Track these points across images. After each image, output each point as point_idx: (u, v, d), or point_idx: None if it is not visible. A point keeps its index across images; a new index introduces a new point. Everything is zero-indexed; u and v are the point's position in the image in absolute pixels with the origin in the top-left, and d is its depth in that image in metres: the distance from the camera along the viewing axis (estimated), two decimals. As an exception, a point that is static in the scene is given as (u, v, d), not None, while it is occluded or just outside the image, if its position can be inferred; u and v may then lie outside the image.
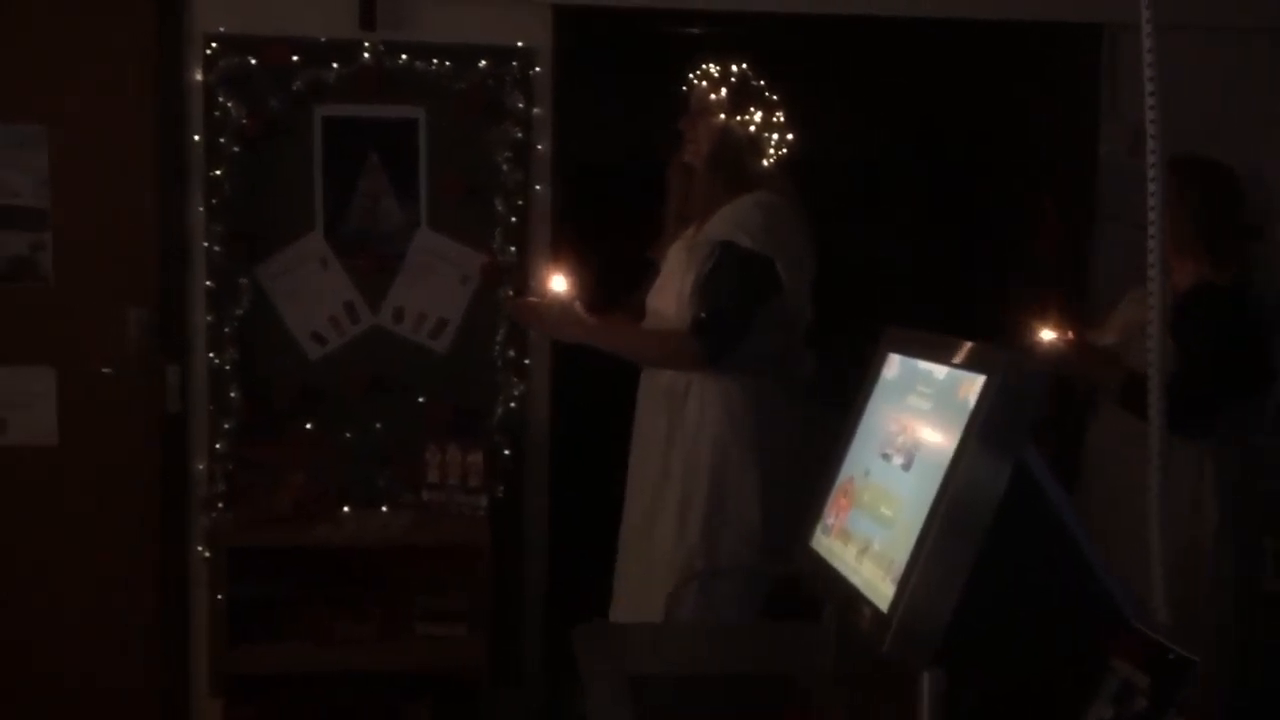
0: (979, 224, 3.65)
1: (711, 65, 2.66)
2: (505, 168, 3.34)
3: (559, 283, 2.62)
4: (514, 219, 3.35)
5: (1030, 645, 1.41)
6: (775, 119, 2.65)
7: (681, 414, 2.57)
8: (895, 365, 1.71)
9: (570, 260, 2.72)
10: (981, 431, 1.36)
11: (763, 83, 2.66)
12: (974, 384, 1.41)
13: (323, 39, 3.23)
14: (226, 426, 3.28)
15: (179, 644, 3.32)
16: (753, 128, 2.62)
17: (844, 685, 1.70)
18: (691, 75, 2.69)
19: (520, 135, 3.34)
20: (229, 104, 3.22)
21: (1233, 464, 2.72)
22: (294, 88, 3.24)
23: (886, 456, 1.61)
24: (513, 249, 3.34)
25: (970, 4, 3.43)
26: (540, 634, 3.45)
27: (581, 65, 3.39)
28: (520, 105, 3.33)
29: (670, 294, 2.61)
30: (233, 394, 3.28)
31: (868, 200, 3.70)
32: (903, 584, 1.40)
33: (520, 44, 3.33)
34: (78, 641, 3.29)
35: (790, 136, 2.66)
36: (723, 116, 2.61)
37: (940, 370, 1.54)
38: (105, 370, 3.24)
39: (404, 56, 3.26)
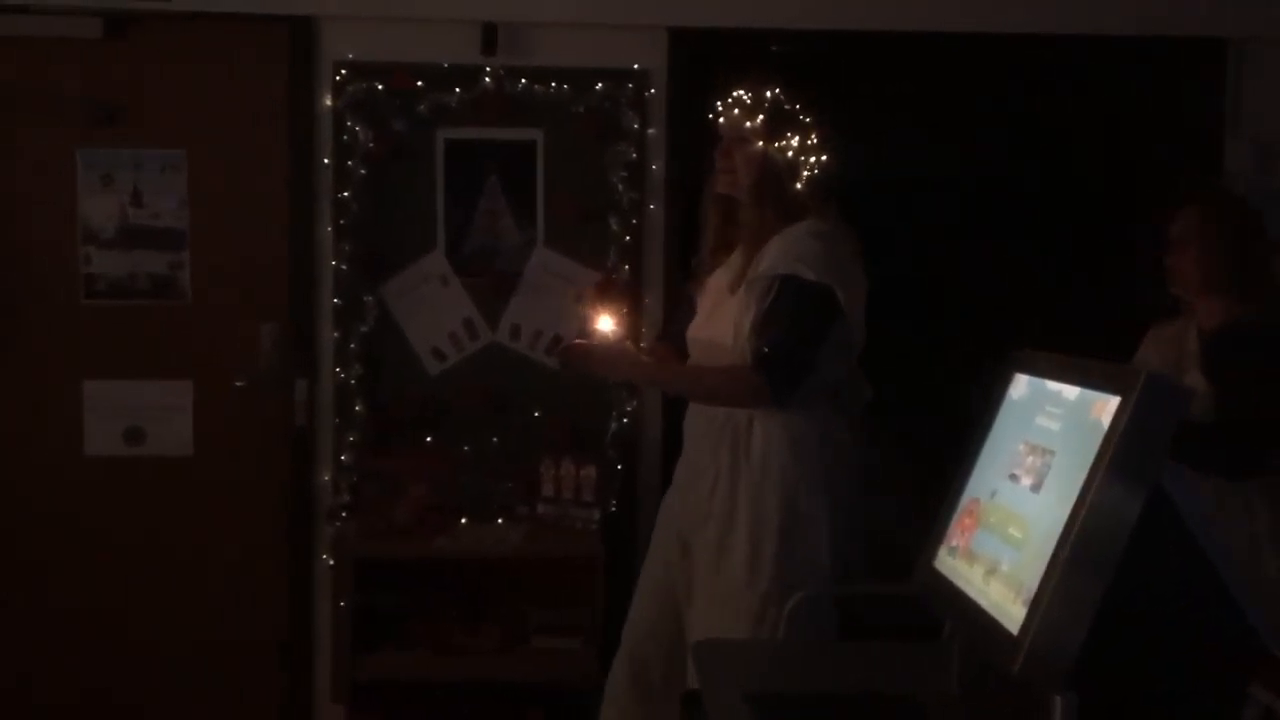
0: (1101, 243, 3.59)
1: (744, 92, 2.62)
2: (620, 187, 3.40)
3: (606, 323, 2.61)
4: (628, 238, 3.41)
5: (1166, 670, 1.40)
6: (810, 142, 2.60)
7: (747, 446, 2.54)
8: (1022, 385, 1.71)
9: (615, 296, 2.72)
10: (1116, 454, 1.35)
11: (797, 106, 2.62)
12: (1108, 405, 1.41)
13: (446, 64, 3.34)
14: (351, 439, 3.39)
15: (303, 650, 3.44)
16: (790, 153, 2.57)
17: (968, 705, 1.69)
18: (721, 103, 2.64)
19: (635, 156, 3.40)
20: (356, 128, 3.34)
21: None
22: (418, 111, 3.35)
23: (1014, 478, 1.61)
24: (627, 267, 3.40)
25: (1091, 20, 3.39)
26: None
27: (696, 86, 3.43)
28: (635, 126, 3.39)
29: (723, 329, 2.56)
30: (357, 407, 3.39)
31: (989, 220, 3.66)
32: (1034, 606, 1.39)
33: (635, 66, 3.39)
34: (207, 643, 3.43)
35: (826, 158, 2.61)
36: (760, 144, 2.56)
37: (1071, 391, 1.53)
38: (238, 384, 3.38)
39: (523, 80, 3.35)
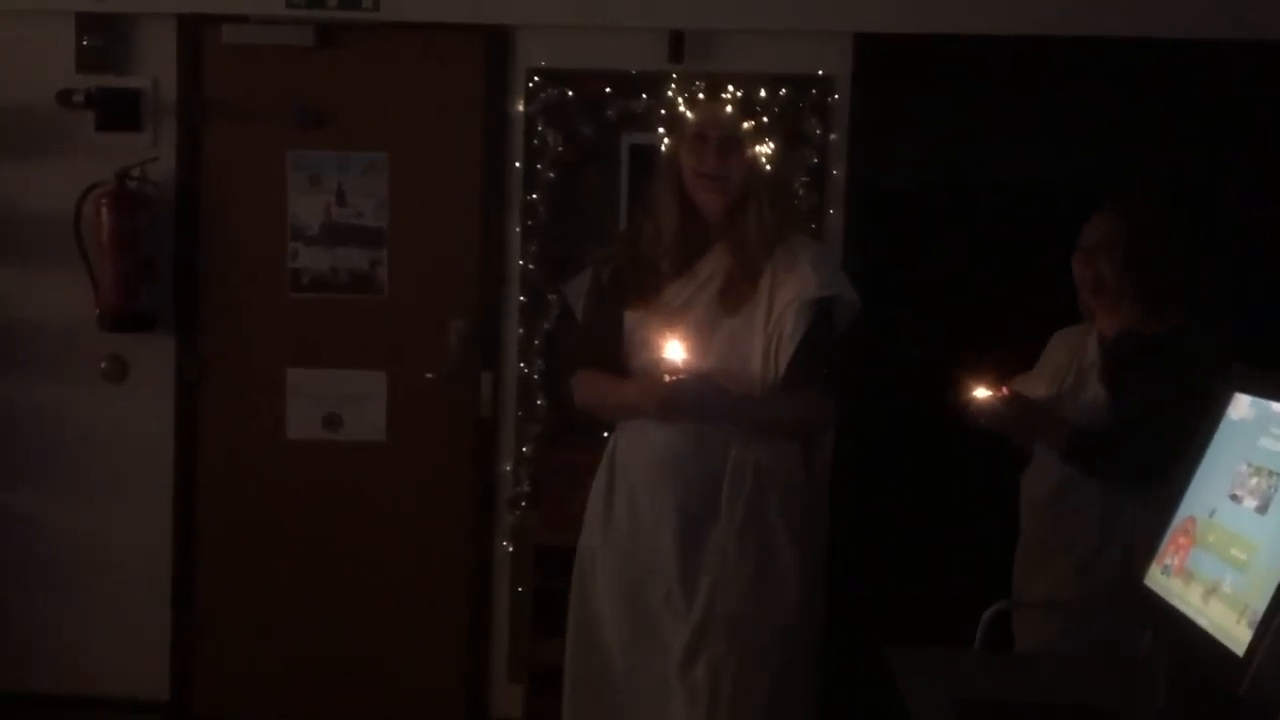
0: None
1: (727, 88, 2.40)
2: (801, 192, 3.44)
3: (676, 350, 2.23)
4: (807, 242, 3.44)
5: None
6: (780, 146, 2.44)
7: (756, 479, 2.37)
8: (1244, 406, 1.70)
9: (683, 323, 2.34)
10: (1357, 481, 1.35)
11: (777, 110, 2.54)
12: (1348, 430, 1.40)
13: (634, 71, 3.43)
14: (532, 432, 3.52)
15: (483, 631, 3.59)
16: (780, 158, 2.43)
17: (1177, 723, 1.69)
18: (706, 97, 2.41)
19: (816, 160, 3.44)
20: (546, 133, 3.47)
21: None
22: (605, 117, 3.45)
23: (1236, 498, 1.60)
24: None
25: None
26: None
27: (879, 92, 3.45)
28: (818, 131, 3.43)
29: (747, 354, 2.33)
30: (539, 401, 3.52)
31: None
32: (1263, 628, 1.40)
33: (820, 72, 3.43)
34: (393, 617, 3.60)
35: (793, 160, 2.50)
36: (757, 148, 2.36)
37: (1306, 413, 1.52)
38: (428, 375, 3.55)
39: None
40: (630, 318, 2.40)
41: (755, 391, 2.33)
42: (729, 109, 2.36)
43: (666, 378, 2.23)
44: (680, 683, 2.35)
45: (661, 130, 2.48)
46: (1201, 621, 1.56)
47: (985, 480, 2.77)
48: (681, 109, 2.43)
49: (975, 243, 3.59)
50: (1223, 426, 1.73)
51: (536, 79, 3.47)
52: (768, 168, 2.39)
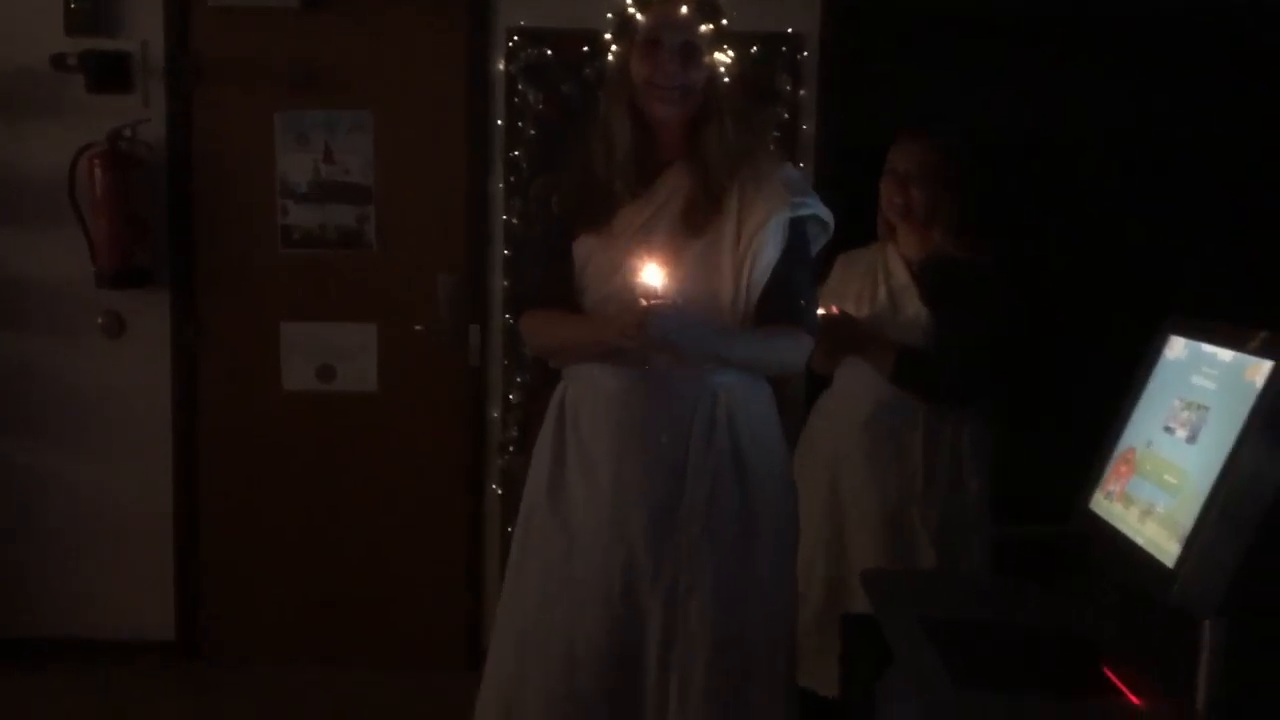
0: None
1: None
2: (772, 147, 3.58)
3: (653, 273, 1.96)
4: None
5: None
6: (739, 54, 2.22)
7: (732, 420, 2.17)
8: (1179, 347, 1.88)
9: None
10: (1269, 414, 1.54)
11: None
12: (1261, 368, 1.58)
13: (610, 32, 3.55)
14: (519, 380, 3.68)
15: (476, 573, 3.77)
16: (739, 68, 2.19)
17: (1121, 633, 1.88)
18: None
19: (787, 116, 3.59)
20: (527, 92, 3.59)
21: (988, 434, 2.74)
22: (584, 76, 3.57)
23: (1169, 430, 1.79)
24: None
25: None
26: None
27: (847, 49, 3.59)
28: (788, 88, 3.57)
29: (719, 282, 2.11)
30: (524, 351, 3.67)
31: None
32: (1189, 544, 1.59)
33: (790, 30, 3.56)
34: (390, 558, 3.78)
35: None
36: (715, 54, 2.12)
37: (1226, 354, 1.70)
38: (418, 328, 3.69)
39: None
40: (581, 248, 2.14)
41: (725, 319, 2.10)
42: (684, 10, 2.09)
43: (643, 303, 1.94)
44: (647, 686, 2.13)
45: (609, 36, 2.17)
46: (1139, 540, 1.75)
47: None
48: (632, 11, 2.12)
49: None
50: (1159, 365, 1.91)
51: (517, 39, 3.58)
52: (727, 77, 2.14)
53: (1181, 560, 1.60)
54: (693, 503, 2.12)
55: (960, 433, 2.70)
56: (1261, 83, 3.55)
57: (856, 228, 3.61)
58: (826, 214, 2.19)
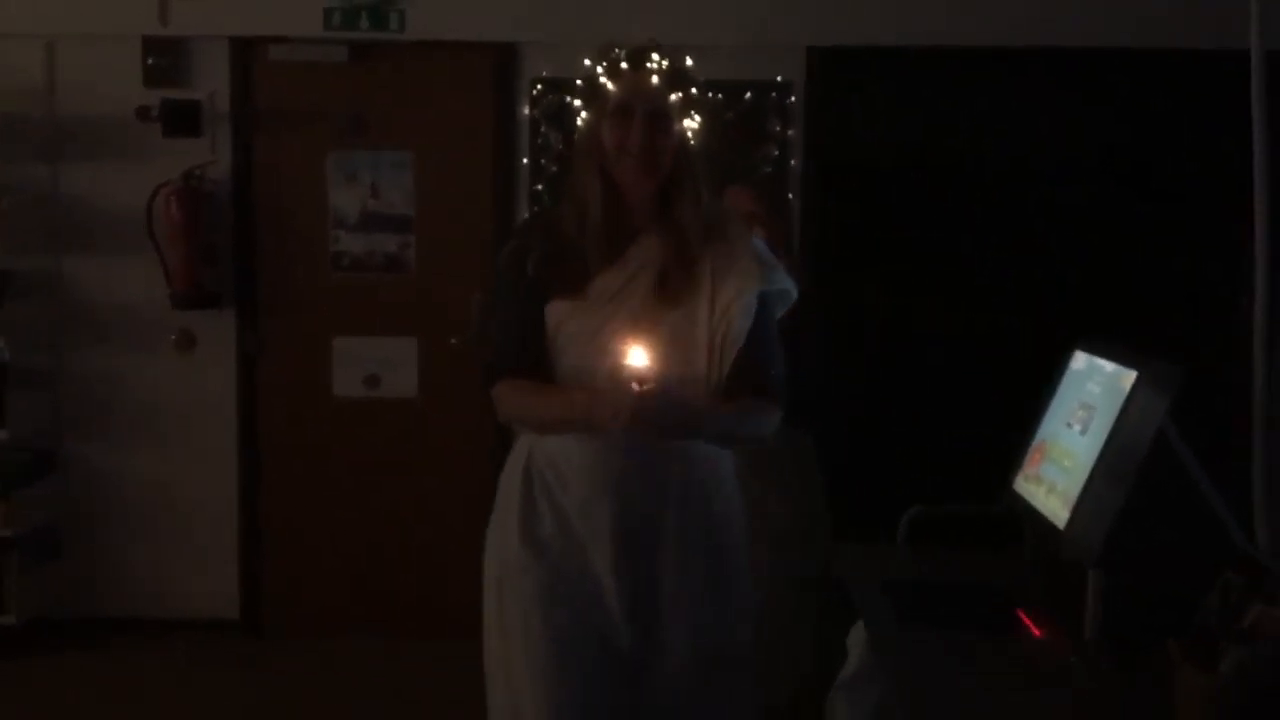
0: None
1: (652, 56, 2.11)
2: (763, 180, 4.08)
3: (639, 356, 1.93)
4: (770, 221, 4.10)
5: (1165, 556, 2.06)
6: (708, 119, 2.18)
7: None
8: (1081, 360, 2.37)
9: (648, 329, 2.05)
10: (1128, 413, 2.03)
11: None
12: (1129, 377, 2.08)
13: (622, 80, 4.05)
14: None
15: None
16: (702, 135, 2.16)
17: (1036, 586, 2.36)
18: (629, 65, 2.11)
19: (777, 153, 4.08)
20: (549, 134, 4.09)
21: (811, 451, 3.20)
22: (598, 119, 4.06)
23: (1069, 425, 2.28)
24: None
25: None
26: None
27: (829, 94, 4.09)
28: (778, 129, 4.07)
29: (692, 356, 2.11)
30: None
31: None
32: (1074, 511, 2.08)
33: (779, 78, 4.06)
34: (432, 545, 4.26)
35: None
36: (686, 122, 2.12)
37: (1109, 366, 2.20)
38: (453, 341, 4.19)
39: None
40: (555, 312, 2.11)
41: (700, 392, 2.11)
42: (655, 80, 2.09)
43: (635, 387, 1.92)
44: None
45: (578, 103, 2.18)
46: (1044, 511, 2.24)
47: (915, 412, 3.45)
48: (602, 80, 2.12)
49: (926, 221, 4.19)
50: (1066, 375, 2.41)
51: (539, 87, 4.08)
52: (694, 144, 2.13)
53: (1070, 523, 2.10)
54: (666, 545, 2.12)
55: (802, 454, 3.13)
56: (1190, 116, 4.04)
57: (841, 251, 4.13)
58: (793, 286, 2.23)
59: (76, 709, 3.74)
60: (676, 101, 2.11)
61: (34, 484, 4.14)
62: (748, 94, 4.05)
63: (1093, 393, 2.24)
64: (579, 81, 2.18)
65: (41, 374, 4.19)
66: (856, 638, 2.57)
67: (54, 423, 4.22)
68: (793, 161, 4.10)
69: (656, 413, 1.95)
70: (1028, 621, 2.16)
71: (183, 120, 4.08)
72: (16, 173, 4.09)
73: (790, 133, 4.09)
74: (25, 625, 4.09)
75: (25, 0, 4.06)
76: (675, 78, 2.12)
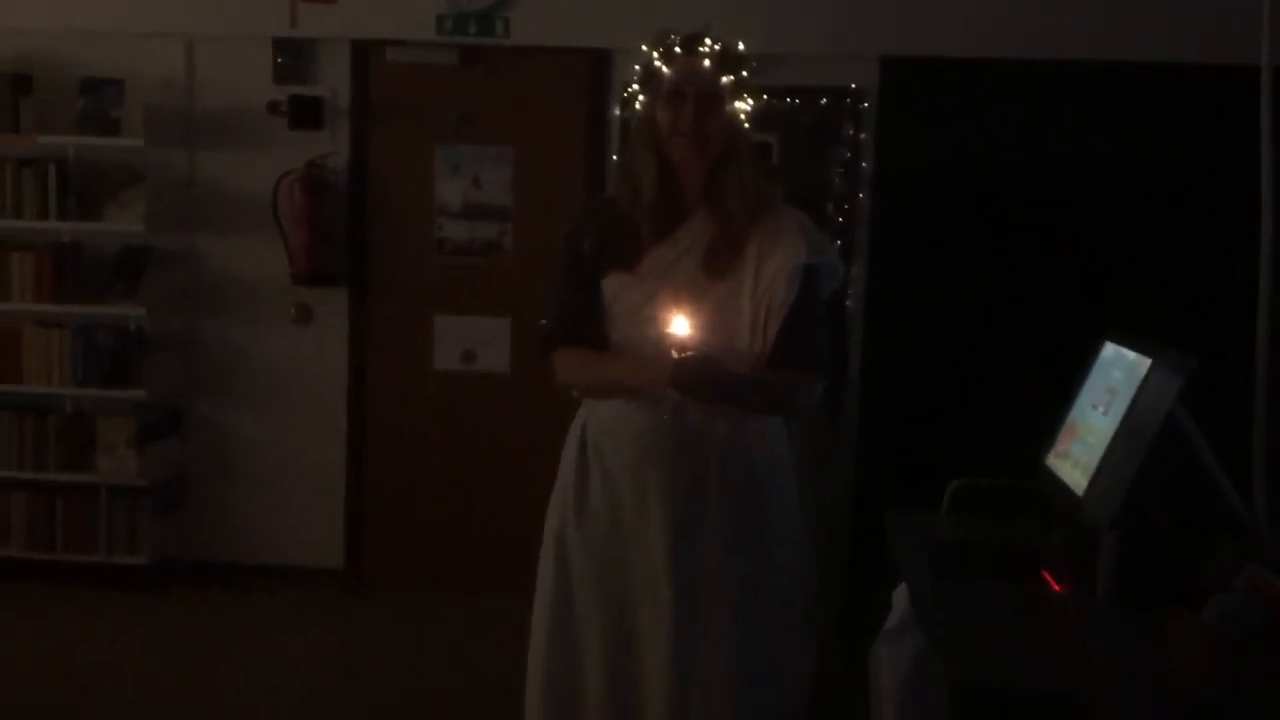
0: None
1: (705, 42, 2.22)
2: (836, 181, 4.38)
3: (681, 325, 2.04)
4: (840, 219, 4.39)
5: (1173, 522, 2.32)
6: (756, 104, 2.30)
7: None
8: (1110, 350, 2.65)
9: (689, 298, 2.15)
10: (1143, 395, 2.30)
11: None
12: (1144, 364, 2.35)
13: (706, 85, 4.36)
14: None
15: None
16: (752, 117, 2.27)
17: (1063, 550, 2.62)
18: (683, 48, 2.24)
19: (850, 155, 4.37)
20: (638, 133, 4.42)
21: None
22: (683, 120, 4.38)
23: (1095, 407, 2.56)
24: (838, 243, 4.39)
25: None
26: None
27: (899, 100, 4.36)
28: (851, 133, 4.36)
29: (734, 328, 2.21)
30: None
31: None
32: (1092, 481, 2.36)
33: (853, 85, 4.35)
34: (521, 504, 4.62)
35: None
36: (733, 104, 2.22)
37: (1130, 354, 2.47)
38: (542, 322, 4.53)
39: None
40: (610, 286, 2.24)
41: (743, 362, 2.18)
42: (707, 64, 2.22)
43: (674, 354, 2.04)
44: (664, 700, 2.24)
45: (635, 87, 2.34)
46: (1070, 483, 2.52)
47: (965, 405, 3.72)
48: (657, 64, 2.27)
49: (985, 222, 4.38)
50: (1097, 364, 2.68)
51: (629, 91, 4.42)
52: (740, 129, 2.25)
53: (1088, 491, 2.38)
54: (714, 517, 2.20)
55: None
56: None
57: (904, 248, 4.40)
58: (838, 263, 2.34)
59: (198, 641, 4.18)
60: (727, 84, 2.23)
61: (165, 439, 4.61)
62: (823, 99, 4.34)
63: (1116, 378, 2.51)
64: (636, 67, 2.35)
65: (175, 340, 4.65)
66: (900, 594, 2.86)
67: (184, 385, 4.68)
68: (864, 164, 4.38)
69: (695, 378, 2.06)
70: (1049, 578, 2.43)
71: (307, 114, 4.49)
72: (159, 158, 4.54)
73: (862, 136, 4.37)
74: (156, 564, 4.55)
75: (169, 4, 4.50)
76: (726, 61, 2.23)
